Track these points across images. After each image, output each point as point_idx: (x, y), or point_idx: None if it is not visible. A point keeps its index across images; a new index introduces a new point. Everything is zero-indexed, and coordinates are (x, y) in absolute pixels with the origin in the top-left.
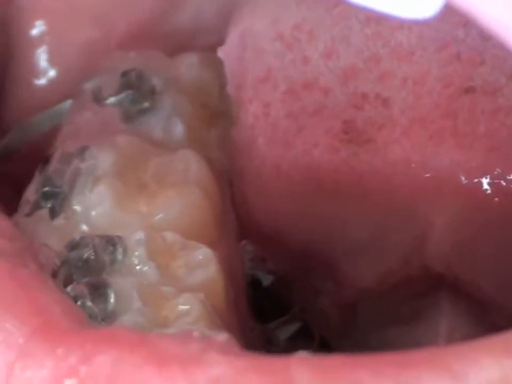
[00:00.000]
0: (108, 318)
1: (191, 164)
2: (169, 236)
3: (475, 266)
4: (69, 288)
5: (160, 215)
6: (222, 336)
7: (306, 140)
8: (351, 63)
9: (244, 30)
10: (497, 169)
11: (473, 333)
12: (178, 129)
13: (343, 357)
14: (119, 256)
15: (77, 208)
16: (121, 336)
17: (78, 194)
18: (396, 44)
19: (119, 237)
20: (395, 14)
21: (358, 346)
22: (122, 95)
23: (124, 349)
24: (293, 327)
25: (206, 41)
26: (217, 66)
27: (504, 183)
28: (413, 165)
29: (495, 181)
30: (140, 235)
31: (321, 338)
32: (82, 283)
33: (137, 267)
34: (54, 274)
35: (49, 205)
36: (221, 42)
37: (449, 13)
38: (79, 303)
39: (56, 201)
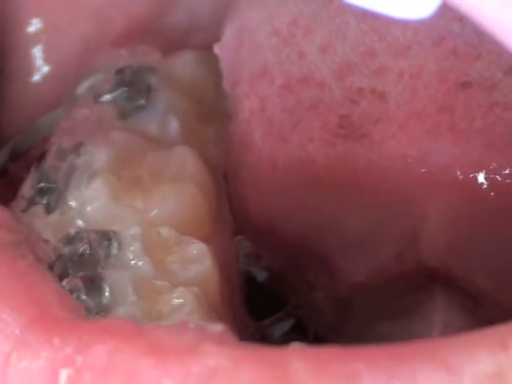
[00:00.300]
0: (102, 311)
1: (186, 160)
2: (164, 231)
3: (470, 261)
4: (64, 282)
5: (155, 211)
6: (218, 327)
7: (302, 135)
8: (347, 58)
9: (240, 25)
10: (493, 164)
11: (467, 327)
12: (174, 125)
13: (339, 348)
14: (114, 250)
15: (73, 203)
16: (118, 327)
17: (74, 190)
18: (392, 39)
19: (114, 232)
20: (391, 14)
21: (352, 341)
22: (117, 92)
23: (120, 340)
24: (287, 324)
25: (201, 38)
26: (213, 63)
27: (500, 178)
28: (409, 160)
29: (491, 176)
30: (135, 230)
31: (315, 335)
32: (77, 277)
33: (132, 262)
34: (50, 268)
35: (44, 201)
36: (216, 39)
37: (445, 8)
38: (74, 296)
39: (51, 197)
